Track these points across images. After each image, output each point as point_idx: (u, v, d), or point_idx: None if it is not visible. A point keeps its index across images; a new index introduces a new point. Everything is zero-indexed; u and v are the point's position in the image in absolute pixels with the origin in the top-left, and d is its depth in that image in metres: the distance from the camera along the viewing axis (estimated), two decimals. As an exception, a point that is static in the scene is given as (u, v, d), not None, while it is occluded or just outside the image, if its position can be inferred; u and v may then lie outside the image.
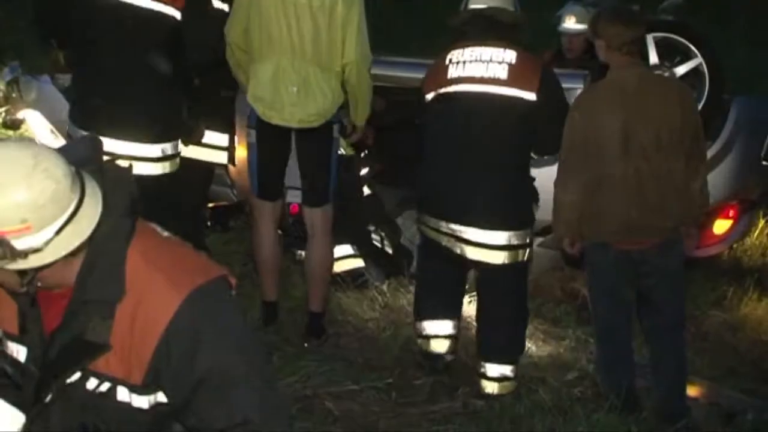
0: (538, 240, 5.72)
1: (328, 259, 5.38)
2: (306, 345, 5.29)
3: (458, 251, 4.89)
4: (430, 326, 5.10)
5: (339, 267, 5.85)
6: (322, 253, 5.25)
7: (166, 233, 2.67)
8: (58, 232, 2.39)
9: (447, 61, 4.95)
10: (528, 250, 5.02)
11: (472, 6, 4.98)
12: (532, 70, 4.83)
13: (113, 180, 2.58)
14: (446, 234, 4.92)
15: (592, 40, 4.82)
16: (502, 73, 4.80)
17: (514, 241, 4.85)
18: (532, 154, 5.00)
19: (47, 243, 2.40)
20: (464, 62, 4.93)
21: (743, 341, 6.40)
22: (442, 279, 5.17)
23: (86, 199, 2.43)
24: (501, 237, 4.83)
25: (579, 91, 5.25)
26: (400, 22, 6.89)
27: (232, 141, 5.78)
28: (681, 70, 6.02)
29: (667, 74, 5.91)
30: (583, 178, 4.63)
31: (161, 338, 2.43)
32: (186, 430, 2.51)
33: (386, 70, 5.96)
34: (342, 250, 5.98)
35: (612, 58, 4.56)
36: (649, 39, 5.82)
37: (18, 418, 2.75)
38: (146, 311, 2.46)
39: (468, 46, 4.89)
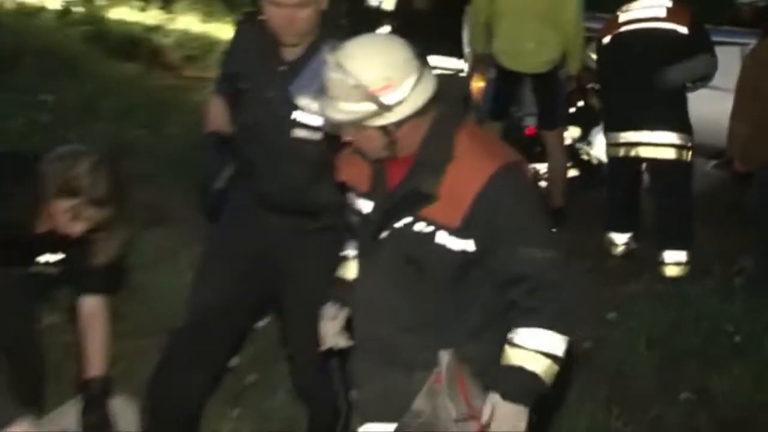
0: (711, 162, 6.96)
1: (562, 165, 7.07)
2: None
3: (633, 154, 6.14)
4: (616, 237, 6.50)
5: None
6: (557, 160, 6.96)
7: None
8: (413, 88, 2.84)
9: (618, 12, 6.29)
10: (690, 152, 6.14)
11: None
12: (683, 11, 6.08)
13: (450, 80, 3.59)
14: (625, 144, 6.19)
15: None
16: (661, 12, 6.07)
17: (677, 141, 6.02)
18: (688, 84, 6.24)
19: (406, 97, 2.83)
20: (631, 10, 6.25)
21: None
22: (622, 197, 6.52)
23: (425, 73, 2.87)
24: (668, 137, 6.05)
25: (752, 46, 6.35)
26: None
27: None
28: None
29: None
30: (753, 113, 5.71)
31: (475, 196, 2.81)
32: (484, 274, 2.90)
33: (594, 23, 7.06)
34: None
35: None
36: None
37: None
38: (467, 174, 2.86)
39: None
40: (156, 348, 4.21)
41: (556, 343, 2.91)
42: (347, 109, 2.82)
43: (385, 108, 2.77)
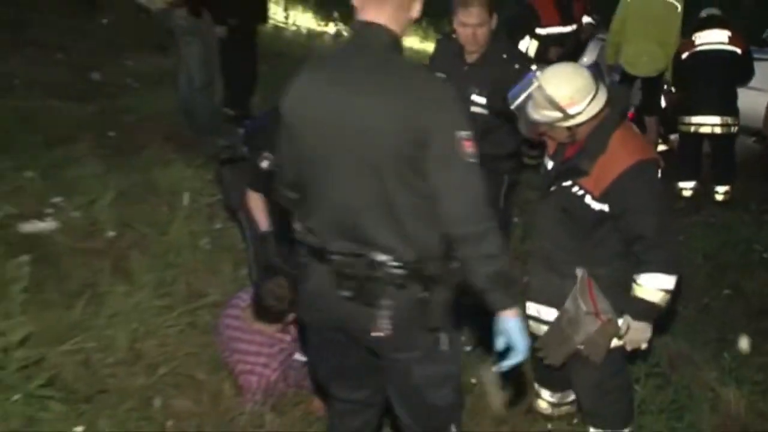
0: (752, 138, 8.76)
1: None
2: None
3: (697, 131, 7.66)
4: (684, 185, 7.87)
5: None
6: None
7: (637, 130, 3.63)
8: (588, 104, 3.33)
9: (693, 37, 7.69)
10: (737, 128, 7.65)
11: (704, 14, 7.85)
12: (739, 39, 7.60)
13: (617, 94, 3.54)
14: (695, 124, 7.66)
15: None
16: (725, 38, 7.60)
17: (729, 122, 7.58)
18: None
19: (583, 110, 3.34)
20: (704, 35, 7.64)
21: None
22: (689, 158, 7.92)
23: (600, 91, 3.35)
24: (723, 119, 7.55)
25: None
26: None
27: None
28: None
29: None
30: None
31: (614, 179, 3.32)
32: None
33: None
34: None
35: None
36: None
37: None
38: (612, 163, 3.34)
39: (705, 29, 7.67)
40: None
41: (667, 281, 3.46)
42: (544, 114, 3.44)
43: (569, 116, 3.39)
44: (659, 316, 3.63)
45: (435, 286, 2.67)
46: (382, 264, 2.63)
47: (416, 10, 2.72)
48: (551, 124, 3.49)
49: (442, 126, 2.56)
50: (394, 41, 2.68)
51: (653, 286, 3.47)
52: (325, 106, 2.60)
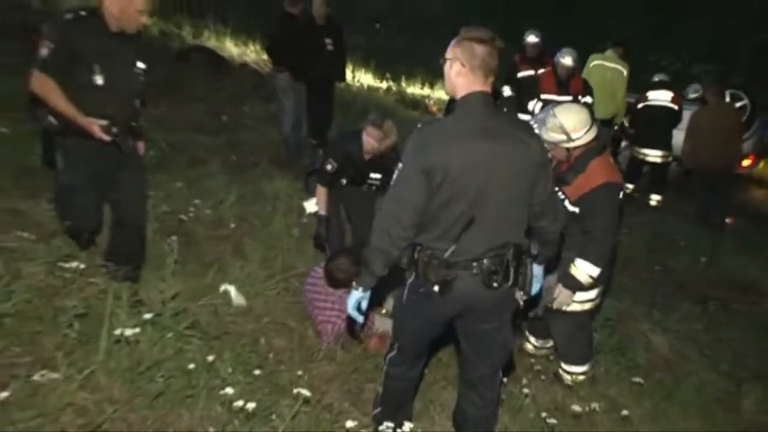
0: (674, 163, 8.26)
1: None
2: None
3: (647, 159, 7.72)
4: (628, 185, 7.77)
5: None
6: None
7: (611, 161, 3.50)
8: (585, 133, 3.38)
9: (648, 93, 7.77)
10: (671, 158, 7.68)
11: (656, 78, 7.97)
12: (678, 98, 7.70)
13: (602, 133, 3.46)
14: (644, 154, 7.74)
15: None
16: (669, 98, 7.75)
17: (668, 155, 7.67)
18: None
19: (581, 137, 3.39)
20: (654, 93, 7.77)
21: None
22: (634, 174, 7.95)
23: (594, 126, 3.38)
24: (665, 153, 7.66)
25: (695, 110, 7.71)
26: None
27: None
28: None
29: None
30: (691, 142, 7.23)
31: (586, 192, 3.34)
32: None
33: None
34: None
35: None
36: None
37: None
38: (587, 181, 3.37)
39: (656, 89, 7.80)
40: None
41: (594, 270, 3.48)
42: (553, 136, 3.45)
43: (570, 139, 3.44)
44: (605, 288, 3.80)
45: (527, 261, 2.70)
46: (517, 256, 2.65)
47: None
48: (557, 144, 3.43)
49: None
50: (493, 101, 2.62)
51: (584, 270, 3.44)
52: (476, 155, 2.50)
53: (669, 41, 13.30)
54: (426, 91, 12.30)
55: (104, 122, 3.25)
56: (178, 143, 6.34)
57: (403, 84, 12.36)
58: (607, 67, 7.59)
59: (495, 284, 2.58)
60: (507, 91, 7.45)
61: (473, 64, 2.52)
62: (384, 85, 12.20)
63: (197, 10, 11.80)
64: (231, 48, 10.87)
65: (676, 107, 7.66)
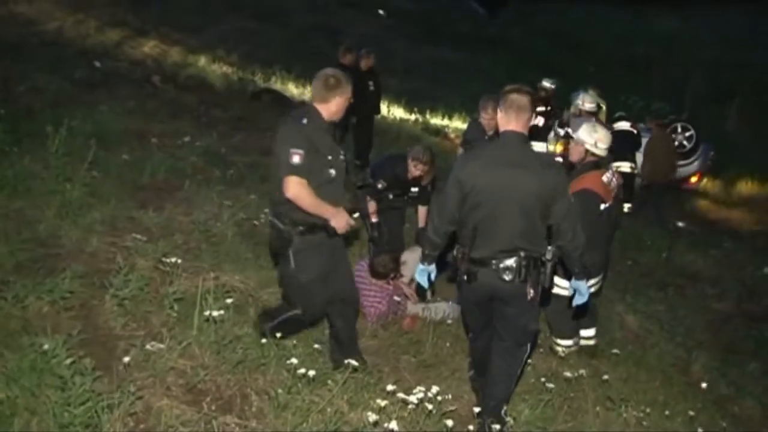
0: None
1: None
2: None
3: (620, 170, 6.13)
4: None
5: None
6: None
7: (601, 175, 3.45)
8: (605, 149, 3.46)
9: (614, 124, 7.09)
10: (636, 170, 7.22)
11: (617, 115, 7.45)
12: (636, 127, 7.47)
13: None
14: (617, 166, 6.05)
15: None
16: (629, 126, 7.41)
17: (634, 167, 7.12)
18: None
19: (602, 149, 3.46)
20: (618, 124, 7.28)
21: None
22: None
23: (608, 148, 3.43)
24: (632, 165, 7.03)
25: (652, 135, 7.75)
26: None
27: None
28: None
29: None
30: (648, 161, 7.33)
31: (572, 192, 3.02)
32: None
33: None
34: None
35: None
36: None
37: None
38: (577, 182, 3.37)
39: (619, 121, 7.35)
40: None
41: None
42: (585, 138, 3.55)
43: (595, 147, 3.54)
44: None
45: (542, 266, 2.73)
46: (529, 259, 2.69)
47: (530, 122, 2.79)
48: (582, 143, 3.54)
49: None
50: (525, 139, 2.77)
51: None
52: (498, 177, 2.66)
53: (634, 86, 14.11)
54: (446, 122, 12.14)
55: None
56: (251, 164, 6.24)
57: (428, 116, 12.21)
58: None
59: (506, 278, 2.69)
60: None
61: (506, 109, 2.73)
62: (412, 117, 12.01)
63: (267, 60, 11.95)
64: (293, 89, 10.88)
65: (635, 131, 7.50)
